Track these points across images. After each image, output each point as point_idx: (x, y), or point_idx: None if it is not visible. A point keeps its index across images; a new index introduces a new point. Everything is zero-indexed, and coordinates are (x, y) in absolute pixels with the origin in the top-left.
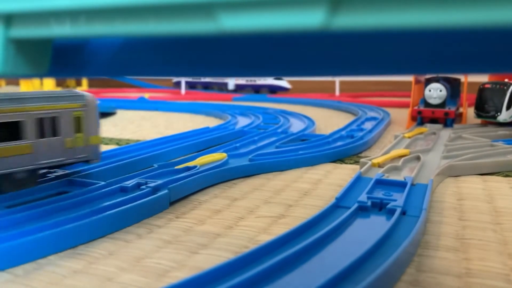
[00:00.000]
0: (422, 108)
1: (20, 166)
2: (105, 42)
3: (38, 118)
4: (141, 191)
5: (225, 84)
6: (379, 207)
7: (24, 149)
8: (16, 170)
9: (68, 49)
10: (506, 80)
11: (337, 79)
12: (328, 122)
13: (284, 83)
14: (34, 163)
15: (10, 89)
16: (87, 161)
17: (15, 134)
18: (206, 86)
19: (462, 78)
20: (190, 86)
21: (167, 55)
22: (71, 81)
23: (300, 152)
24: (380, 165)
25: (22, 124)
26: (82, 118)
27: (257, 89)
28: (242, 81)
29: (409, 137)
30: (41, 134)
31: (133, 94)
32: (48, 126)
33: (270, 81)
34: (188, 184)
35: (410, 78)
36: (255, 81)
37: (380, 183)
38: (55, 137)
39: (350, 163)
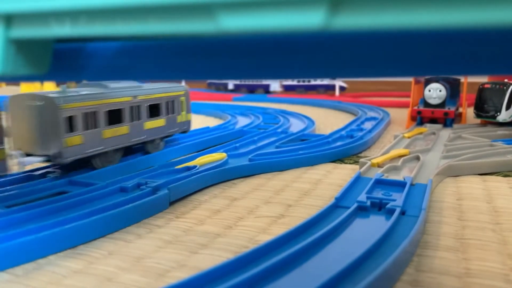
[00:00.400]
0: (421, 108)
1: (158, 134)
2: (104, 45)
3: (167, 102)
4: (141, 191)
5: (267, 86)
6: (379, 207)
7: (161, 123)
8: (156, 137)
9: (68, 52)
10: (505, 80)
11: (337, 79)
12: (328, 122)
13: (340, 82)
14: (165, 132)
15: (12, 89)
16: (184, 132)
17: (156, 112)
18: (252, 90)
19: (461, 78)
20: (236, 88)
21: (166, 59)
22: (71, 82)
23: (300, 152)
24: (379, 165)
25: (160, 105)
26: (183, 101)
27: (311, 89)
28: (292, 81)
29: (408, 137)
30: (167, 112)
31: None
32: (171, 107)
33: (326, 81)
34: (188, 184)
35: (410, 78)
36: (309, 81)
37: (380, 183)
38: (173, 114)
39: (350, 163)
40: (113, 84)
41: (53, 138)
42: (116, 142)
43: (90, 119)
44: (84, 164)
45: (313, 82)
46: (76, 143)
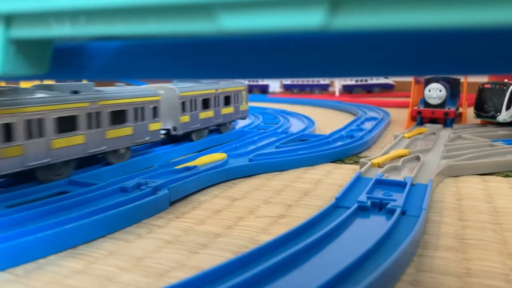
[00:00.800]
0: (421, 108)
1: (229, 119)
2: (104, 44)
3: (234, 94)
4: (141, 191)
5: (326, 86)
6: (379, 207)
7: (231, 110)
8: (227, 121)
9: (68, 51)
10: (505, 80)
11: (337, 80)
12: (328, 122)
13: (390, 81)
14: (233, 117)
15: None
16: (243, 118)
17: (228, 102)
18: (308, 90)
19: (461, 78)
20: (286, 89)
21: (166, 57)
22: (71, 81)
23: (300, 152)
24: (379, 165)
25: (230, 97)
26: (244, 94)
27: (368, 88)
28: (350, 81)
29: (408, 137)
30: (235, 102)
31: None
32: (237, 98)
33: (381, 80)
34: (188, 184)
35: (410, 78)
36: (366, 80)
37: (380, 183)
38: (238, 104)
39: (350, 163)
40: (203, 80)
41: (172, 117)
42: (206, 123)
43: (193, 104)
44: (184, 138)
45: (369, 82)
46: (186, 121)
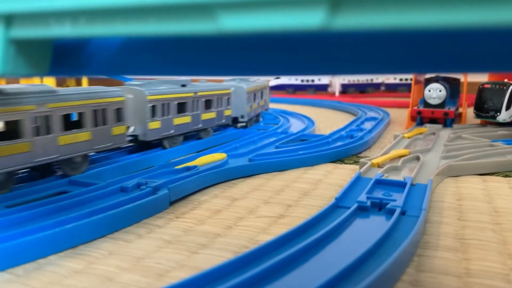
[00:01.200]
0: (421, 108)
1: (260, 110)
2: (105, 41)
3: (264, 90)
4: (141, 191)
5: (379, 85)
6: (379, 207)
7: (263, 102)
8: (259, 111)
9: (68, 49)
10: (505, 80)
11: (337, 80)
12: (328, 122)
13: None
14: (262, 109)
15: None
16: (266, 110)
17: (260, 97)
18: (363, 91)
19: (461, 78)
20: (344, 89)
21: (167, 55)
22: (71, 81)
23: (300, 152)
24: (379, 165)
25: (262, 92)
26: (267, 91)
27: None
28: (394, 80)
29: (408, 137)
30: (264, 96)
31: None
32: (265, 93)
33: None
34: (188, 184)
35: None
36: (406, 80)
37: (380, 183)
38: (265, 98)
39: (350, 163)
40: (251, 78)
41: (239, 107)
42: (255, 112)
43: (253, 97)
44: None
45: (410, 82)
46: (249, 111)
